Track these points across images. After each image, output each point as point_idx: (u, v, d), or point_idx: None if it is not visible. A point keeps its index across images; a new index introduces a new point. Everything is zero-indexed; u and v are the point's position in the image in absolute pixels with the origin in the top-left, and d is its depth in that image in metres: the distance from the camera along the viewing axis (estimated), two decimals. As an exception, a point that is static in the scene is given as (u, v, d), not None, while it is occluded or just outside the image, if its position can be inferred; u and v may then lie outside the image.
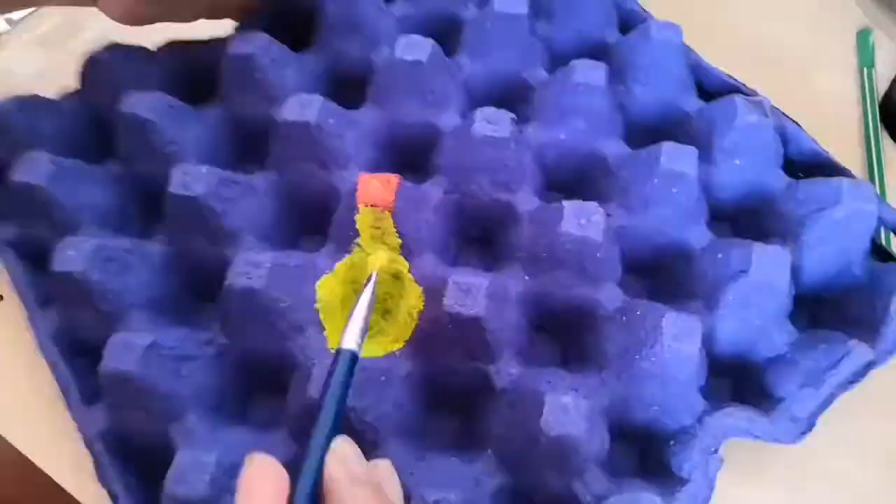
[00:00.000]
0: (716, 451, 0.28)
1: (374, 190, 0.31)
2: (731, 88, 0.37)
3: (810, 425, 0.28)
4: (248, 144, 0.37)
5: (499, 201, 0.33)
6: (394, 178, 0.31)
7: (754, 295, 0.29)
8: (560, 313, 0.32)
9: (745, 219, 0.34)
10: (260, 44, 0.35)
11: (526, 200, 0.33)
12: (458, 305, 0.29)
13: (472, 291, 0.29)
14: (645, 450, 0.30)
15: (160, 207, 0.33)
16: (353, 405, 0.27)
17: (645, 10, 0.42)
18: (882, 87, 0.44)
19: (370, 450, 0.28)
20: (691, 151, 0.31)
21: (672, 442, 0.29)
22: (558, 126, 0.35)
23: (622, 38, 0.38)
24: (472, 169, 0.33)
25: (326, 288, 0.32)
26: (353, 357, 0.25)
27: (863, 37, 0.47)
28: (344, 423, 0.27)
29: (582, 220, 0.30)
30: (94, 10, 0.33)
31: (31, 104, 0.35)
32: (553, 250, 0.30)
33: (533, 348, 0.32)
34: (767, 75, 0.40)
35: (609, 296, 0.31)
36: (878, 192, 0.38)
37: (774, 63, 0.45)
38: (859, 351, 0.28)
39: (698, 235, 0.32)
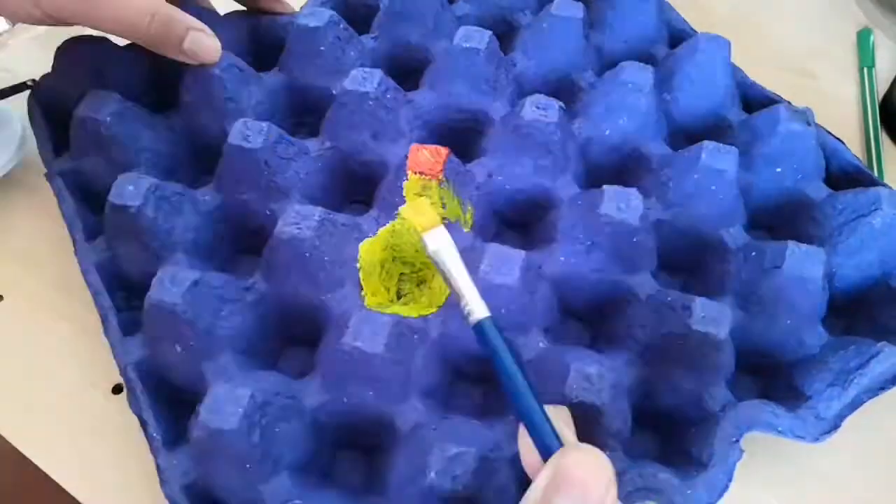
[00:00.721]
0: (737, 440, 0.28)
1: (424, 159, 0.32)
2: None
3: (835, 426, 0.28)
4: (304, 113, 0.38)
5: (541, 186, 0.34)
6: (443, 150, 0.33)
7: (786, 291, 0.29)
8: (592, 296, 0.32)
9: (784, 227, 0.35)
10: (328, 20, 0.37)
11: (567, 186, 0.34)
12: (494, 273, 0.29)
13: (508, 261, 0.30)
14: (666, 438, 0.31)
15: (213, 160, 0.35)
16: (384, 355, 0.28)
17: (694, 31, 0.43)
18: (882, 86, 0.44)
19: (395, 402, 0.29)
20: (731, 150, 0.32)
21: (694, 429, 0.29)
22: (604, 122, 0.36)
23: (670, 52, 0.40)
24: (517, 152, 0.34)
25: (368, 250, 0.33)
26: (491, 322, 0.24)
27: (863, 37, 0.47)
28: (371, 371, 0.28)
29: (621, 203, 0.31)
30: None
31: (101, 49, 0.37)
32: (590, 232, 0.31)
33: (562, 327, 0.33)
34: (768, 75, 0.41)
35: (642, 283, 0.31)
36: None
37: (774, 63, 0.45)
38: (889, 353, 0.28)
39: (735, 235, 0.33)
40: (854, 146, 0.40)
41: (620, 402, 0.28)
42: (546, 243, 0.33)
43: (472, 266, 0.30)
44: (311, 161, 0.35)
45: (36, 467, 0.31)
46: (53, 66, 0.37)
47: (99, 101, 0.34)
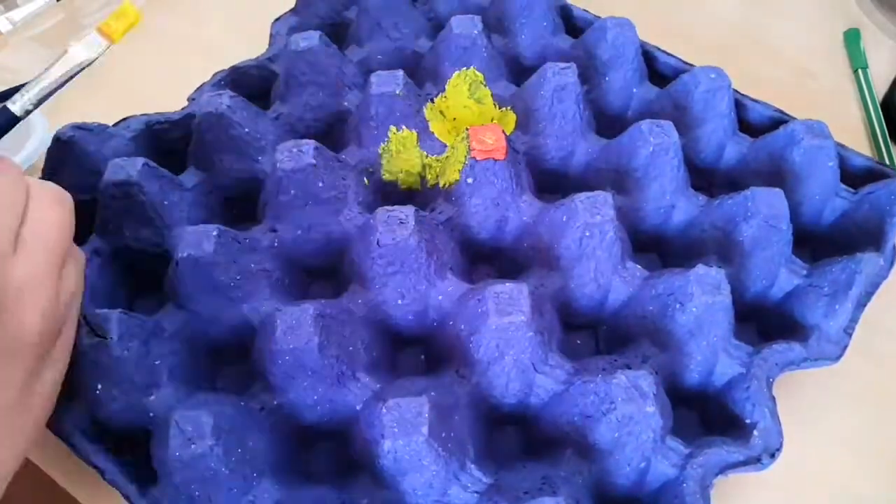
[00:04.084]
0: (769, 388, 0.29)
1: (487, 146, 0.33)
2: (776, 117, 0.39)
3: (845, 345, 0.31)
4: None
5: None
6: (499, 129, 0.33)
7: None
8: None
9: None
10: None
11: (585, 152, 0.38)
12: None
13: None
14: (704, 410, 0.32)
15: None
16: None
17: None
18: (883, 87, 0.43)
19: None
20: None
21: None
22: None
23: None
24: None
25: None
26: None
27: (850, 38, 0.45)
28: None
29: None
30: (96, 8, 0.34)
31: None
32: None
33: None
34: (767, 75, 0.43)
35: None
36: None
37: (773, 63, 0.46)
38: (868, 259, 0.31)
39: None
40: (860, 147, 0.40)
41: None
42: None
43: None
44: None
45: (36, 467, 0.30)
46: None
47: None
